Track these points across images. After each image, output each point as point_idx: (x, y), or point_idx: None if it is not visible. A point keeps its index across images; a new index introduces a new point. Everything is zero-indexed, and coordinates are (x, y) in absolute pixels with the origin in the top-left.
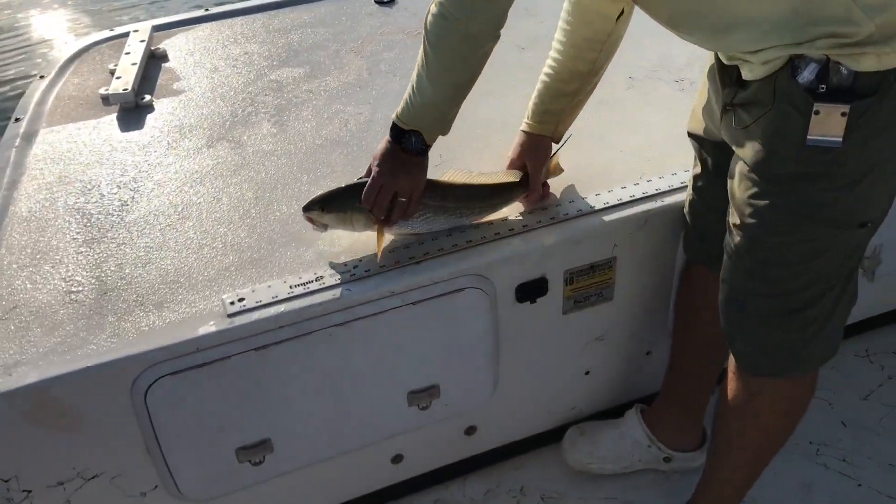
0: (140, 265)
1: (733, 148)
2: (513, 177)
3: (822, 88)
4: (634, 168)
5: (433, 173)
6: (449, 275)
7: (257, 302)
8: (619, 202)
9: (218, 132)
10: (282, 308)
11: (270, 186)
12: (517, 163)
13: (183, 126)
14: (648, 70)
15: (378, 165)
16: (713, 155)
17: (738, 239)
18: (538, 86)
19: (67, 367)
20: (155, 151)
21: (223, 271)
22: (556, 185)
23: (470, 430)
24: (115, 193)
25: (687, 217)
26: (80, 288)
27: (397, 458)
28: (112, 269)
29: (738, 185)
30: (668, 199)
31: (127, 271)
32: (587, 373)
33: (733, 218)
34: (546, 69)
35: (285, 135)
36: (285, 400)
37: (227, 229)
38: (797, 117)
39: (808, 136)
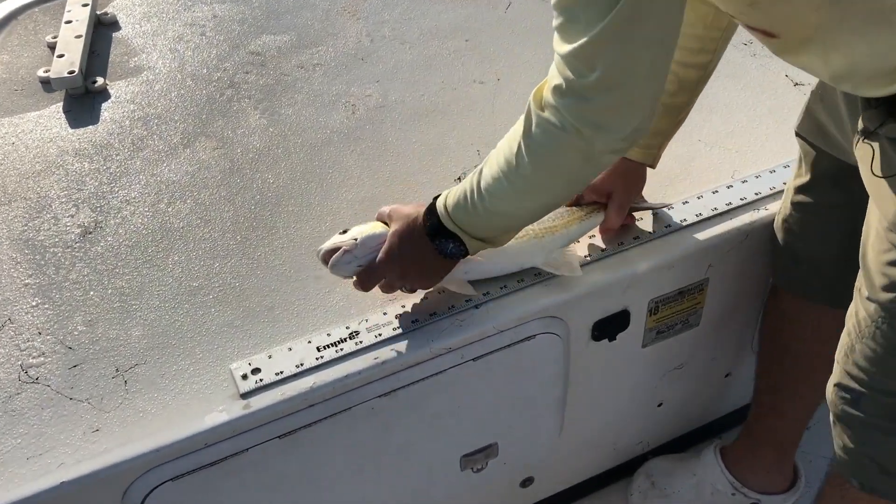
0: (116, 321)
1: (869, 193)
2: (587, 211)
3: None
4: (723, 163)
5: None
6: (517, 320)
7: (277, 374)
8: (714, 212)
9: (194, 125)
10: (310, 381)
11: (272, 201)
12: (601, 189)
13: (148, 118)
14: None
15: (392, 253)
16: (832, 168)
17: (864, 313)
18: None
19: (34, 485)
20: (117, 155)
21: (226, 326)
22: None
23: (526, 482)
24: (73, 216)
25: (779, 235)
26: (42, 359)
27: None
28: (80, 328)
29: (873, 246)
30: (772, 207)
31: (100, 331)
32: (660, 405)
33: (862, 285)
34: None
35: (279, 127)
36: (315, 487)
37: (223, 264)
38: None
39: None
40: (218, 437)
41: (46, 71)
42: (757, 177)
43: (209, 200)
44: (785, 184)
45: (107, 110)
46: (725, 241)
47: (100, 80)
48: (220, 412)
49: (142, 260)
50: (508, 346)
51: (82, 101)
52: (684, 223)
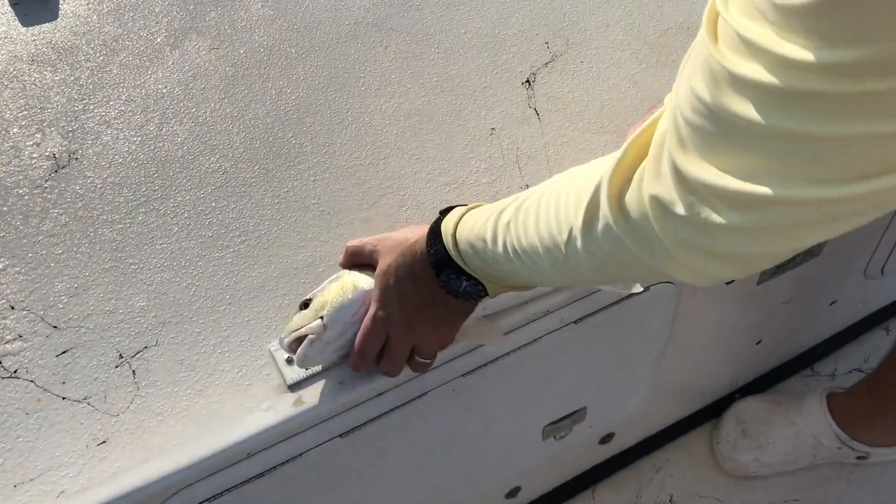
0: (112, 287)
1: None
2: None
3: None
4: None
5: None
6: None
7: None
8: None
9: (180, 18)
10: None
11: (293, 119)
12: None
13: (120, 9)
14: None
15: (387, 303)
16: None
17: None
18: None
19: None
20: (87, 61)
21: (256, 290)
22: None
23: (606, 438)
24: (39, 144)
25: None
26: (19, 343)
27: (513, 493)
28: (65, 298)
29: None
30: None
31: (92, 301)
32: (759, 342)
33: None
34: None
35: (288, 18)
36: (377, 484)
37: (241, 205)
38: None
39: None
40: (264, 444)
41: None
42: None
43: (212, 119)
44: None
45: (66, 2)
46: None
47: None
48: (265, 411)
49: (134, 202)
50: (617, 302)
51: None
52: None
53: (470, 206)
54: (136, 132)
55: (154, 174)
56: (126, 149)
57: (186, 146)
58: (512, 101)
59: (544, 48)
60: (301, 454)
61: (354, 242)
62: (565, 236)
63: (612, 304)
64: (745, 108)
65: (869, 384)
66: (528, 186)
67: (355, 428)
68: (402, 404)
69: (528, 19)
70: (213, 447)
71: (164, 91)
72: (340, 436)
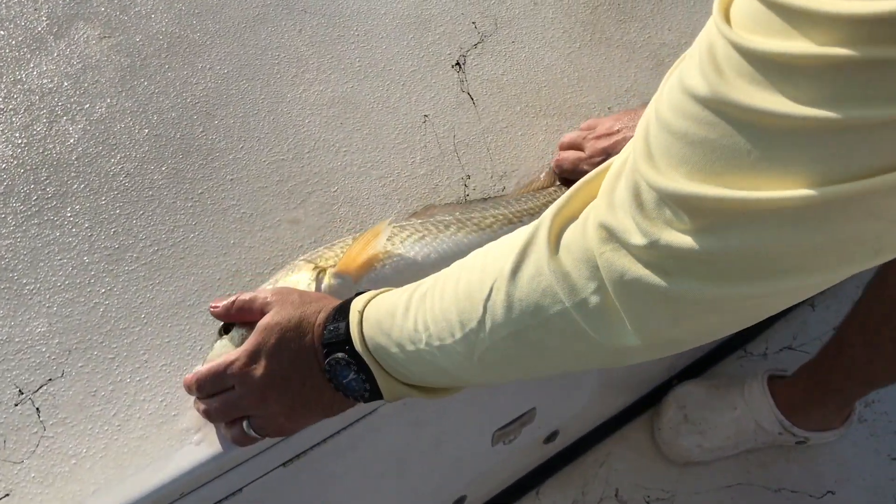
0: (4, 311)
1: None
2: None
3: None
4: None
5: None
6: None
7: None
8: None
9: (63, 3)
10: None
11: (202, 112)
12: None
13: None
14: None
15: (254, 355)
16: None
17: None
18: None
19: None
20: None
21: (175, 306)
22: None
23: (551, 437)
24: None
25: None
26: None
27: (459, 502)
28: None
29: None
30: None
31: None
32: None
33: None
34: None
35: (187, 1)
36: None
37: (151, 211)
38: None
39: None
40: (198, 482)
41: None
42: None
43: (109, 115)
44: None
45: None
46: None
47: None
48: (196, 444)
49: (24, 213)
50: None
51: None
52: None
53: (387, 290)
54: (20, 133)
55: (45, 180)
56: (10, 152)
57: (81, 147)
58: (443, 85)
59: (472, 28)
60: (241, 489)
61: (245, 296)
62: (486, 290)
63: None
64: (753, 96)
65: (809, 371)
66: (469, 177)
67: (299, 455)
68: (349, 424)
69: None
70: (140, 490)
71: (49, 86)
72: (283, 465)
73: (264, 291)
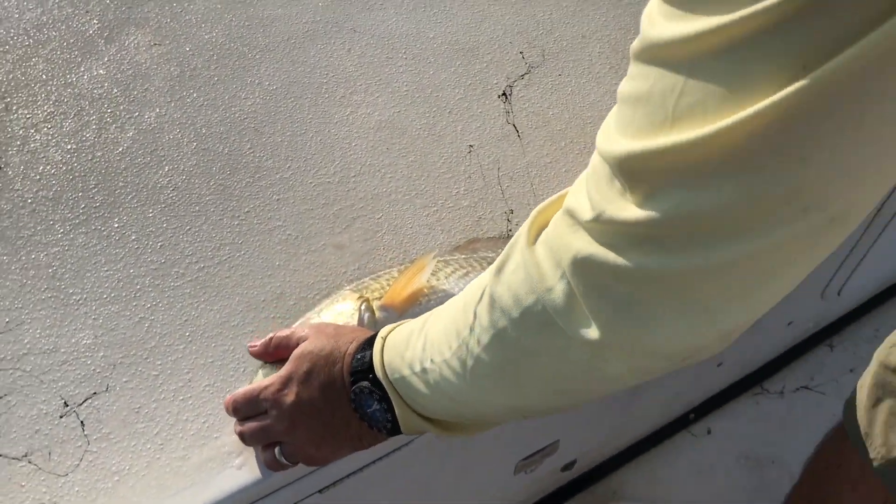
0: (51, 322)
1: None
2: None
3: None
4: None
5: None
6: None
7: None
8: None
9: (114, 6)
10: None
11: (250, 129)
12: None
13: None
14: None
15: (287, 383)
16: None
17: None
18: None
19: None
20: (7, 55)
21: (219, 326)
22: None
23: (568, 466)
24: None
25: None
26: None
27: None
28: None
29: None
30: None
31: (28, 339)
32: (720, 364)
33: None
34: None
35: (238, 11)
36: None
37: (197, 227)
38: None
39: None
40: None
41: None
42: None
43: (158, 125)
44: None
45: None
46: None
47: None
48: (237, 468)
49: (73, 221)
50: None
51: None
52: None
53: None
54: (69, 138)
55: (94, 188)
56: (59, 157)
57: (130, 156)
58: (489, 115)
59: (519, 58)
60: None
61: (282, 333)
62: (478, 296)
63: None
64: (672, 28)
65: None
66: (512, 212)
67: (336, 482)
68: (383, 456)
69: (501, 26)
70: None
71: (99, 91)
72: (320, 491)
73: (301, 328)
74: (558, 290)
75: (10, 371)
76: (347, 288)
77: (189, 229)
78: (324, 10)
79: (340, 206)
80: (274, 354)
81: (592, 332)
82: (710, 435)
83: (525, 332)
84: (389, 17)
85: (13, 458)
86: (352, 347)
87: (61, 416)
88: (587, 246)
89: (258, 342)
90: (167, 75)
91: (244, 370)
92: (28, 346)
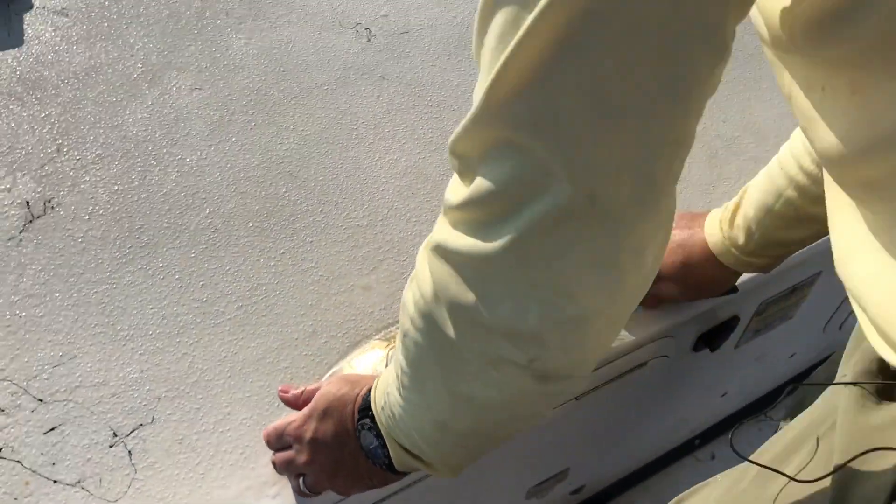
0: (101, 355)
1: None
2: None
3: None
4: None
5: None
6: (632, 346)
7: None
8: None
9: (157, 51)
10: None
11: (285, 172)
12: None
13: (91, 37)
14: None
15: (310, 418)
16: None
17: None
18: (766, 186)
19: None
20: (57, 94)
21: (256, 363)
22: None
23: (577, 490)
24: (9, 190)
25: None
26: (2, 419)
27: None
28: (49, 367)
29: None
30: None
31: (79, 372)
32: (724, 394)
33: None
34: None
35: (273, 58)
36: None
37: (235, 267)
38: None
39: None
40: None
41: None
42: None
43: (198, 167)
44: None
45: (31, 26)
46: None
47: None
48: (272, 498)
49: (120, 259)
50: (616, 378)
51: None
52: None
53: None
54: (117, 179)
55: (140, 228)
56: (107, 198)
57: (173, 198)
58: None
59: None
60: None
61: (312, 387)
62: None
63: (612, 380)
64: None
65: None
66: None
67: None
68: (404, 488)
69: None
70: None
71: (144, 134)
72: None
73: (329, 381)
74: (427, 280)
75: (64, 402)
76: (376, 337)
77: (228, 270)
78: (354, 57)
79: (368, 248)
80: (303, 406)
81: (444, 317)
82: (714, 460)
83: (419, 331)
84: (416, 66)
85: (68, 485)
86: (365, 390)
87: (111, 446)
88: (439, 233)
89: (290, 390)
90: (207, 119)
91: (278, 405)
92: (80, 378)
